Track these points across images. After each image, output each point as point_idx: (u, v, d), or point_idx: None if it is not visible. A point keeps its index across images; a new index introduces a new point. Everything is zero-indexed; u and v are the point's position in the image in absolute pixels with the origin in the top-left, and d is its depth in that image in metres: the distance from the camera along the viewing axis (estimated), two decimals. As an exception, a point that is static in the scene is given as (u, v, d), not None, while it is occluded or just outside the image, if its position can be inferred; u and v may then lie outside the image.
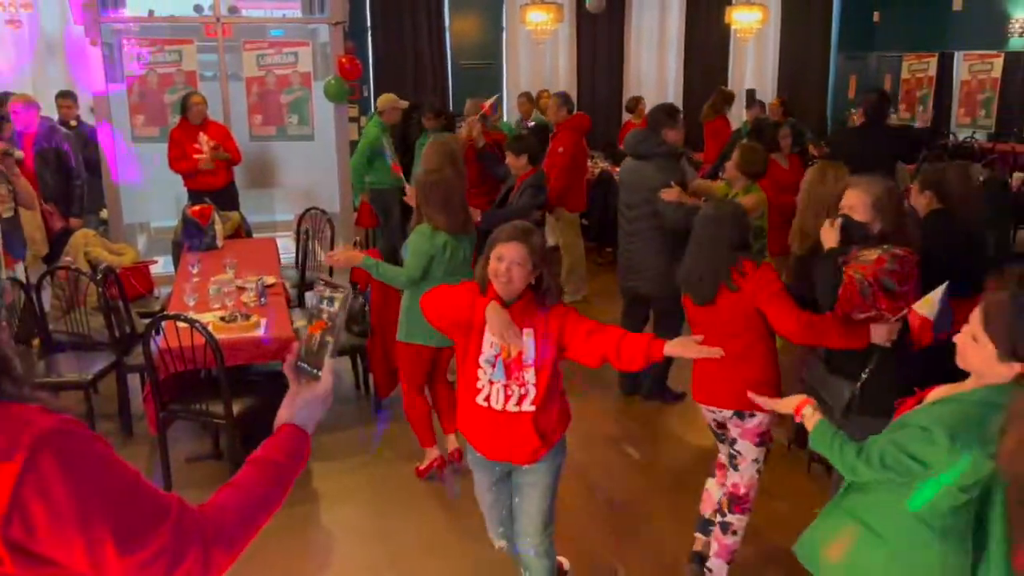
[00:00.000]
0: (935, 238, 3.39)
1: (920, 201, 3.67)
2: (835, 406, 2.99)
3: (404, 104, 7.26)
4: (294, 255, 6.22)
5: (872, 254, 2.88)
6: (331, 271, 5.69)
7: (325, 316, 1.55)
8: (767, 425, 3.11)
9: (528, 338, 2.61)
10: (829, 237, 2.98)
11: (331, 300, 1.55)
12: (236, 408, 3.82)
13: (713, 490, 3.37)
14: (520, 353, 2.61)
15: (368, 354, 4.84)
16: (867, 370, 2.92)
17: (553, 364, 2.65)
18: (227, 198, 6.60)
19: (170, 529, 1.17)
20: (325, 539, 3.73)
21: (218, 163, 6.59)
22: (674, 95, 11.52)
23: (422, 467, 4.15)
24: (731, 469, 3.18)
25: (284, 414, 1.48)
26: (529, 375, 2.63)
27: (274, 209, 8.45)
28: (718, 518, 3.22)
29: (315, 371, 1.53)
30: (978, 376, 1.94)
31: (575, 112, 7.11)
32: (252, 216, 7.06)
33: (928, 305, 2.58)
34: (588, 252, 7.38)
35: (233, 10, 8.55)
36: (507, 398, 2.65)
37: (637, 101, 9.68)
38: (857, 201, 2.99)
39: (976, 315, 1.91)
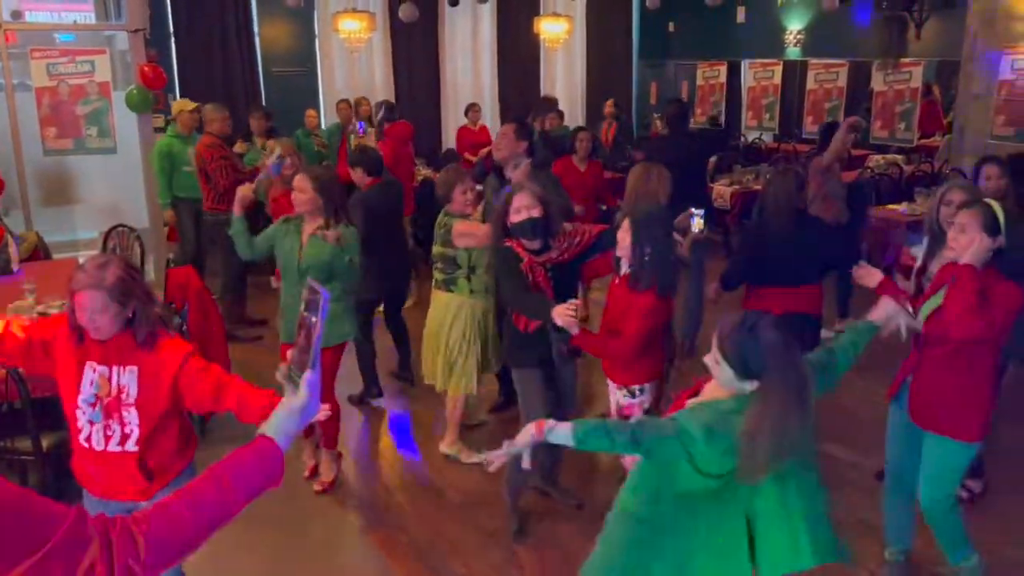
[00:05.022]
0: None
1: None
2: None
3: (192, 105, 7.03)
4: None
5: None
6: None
7: (307, 324, 1.51)
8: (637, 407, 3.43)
9: (131, 376, 2.47)
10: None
11: (313, 305, 1.50)
12: (45, 443, 3.59)
13: None
14: (120, 394, 2.47)
15: (190, 375, 4.66)
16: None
17: (165, 405, 2.51)
18: None
19: (61, 537, 1.18)
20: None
21: None
22: (490, 102, 11.83)
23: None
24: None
25: (265, 424, 1.50)
26: (130, 415, 2.49)
27: (75, 227, 7.89)
28: None
29: (298, 381, 1.53)
30: (729, 389, 2.19)
31: (397, 120, 7.17)
32: (50, 235, 6.58)
33: None
34: (416, 257, 7.45)
35: (16, 15, 7.90)
36: (107, 439, 2.51)
37: (470, 107, 9.91)
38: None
39: (714, 342, 2.16)
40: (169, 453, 2.62)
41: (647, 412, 3.44)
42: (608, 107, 10.44)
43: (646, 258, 3.13)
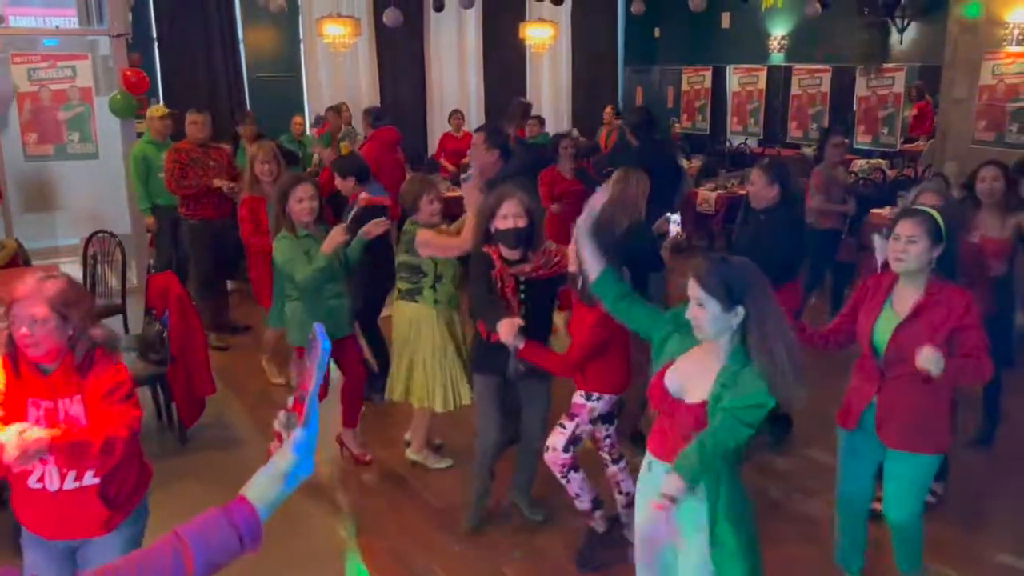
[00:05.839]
0: (784, 227, 3.99)
1: (769, 193, 4.09)
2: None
3: (162, 111, 6.92)
4: (81, 282, 5.82)
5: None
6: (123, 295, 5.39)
7: (304, 373, 1.39)
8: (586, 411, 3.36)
9: (79, 406, 2.31)
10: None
11: (312, 356, 1.36)
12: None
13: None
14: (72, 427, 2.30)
15: (169, 383, 4.63)
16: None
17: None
18: None
19: None
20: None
21: None
22: (476, 107, 11.83)
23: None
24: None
25: (247, 484, 1.36)
26: None
27: (56, 233, 7.85)
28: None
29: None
30: (716, 337, 2.25)
31: (383, 125, 7.12)
32: (31, 242, 6.54)
33: None
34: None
35: (-2, 20, 7.87)
36: (63, 476, 2.34)
37: (452, 114, 9.90)
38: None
39: (692, 285, 2.23)
40: (129, 483, 2.49)
41: (594, 421, 3.38)
42: (607, 113, 10.43)
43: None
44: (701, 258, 2.26)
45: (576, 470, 3.39)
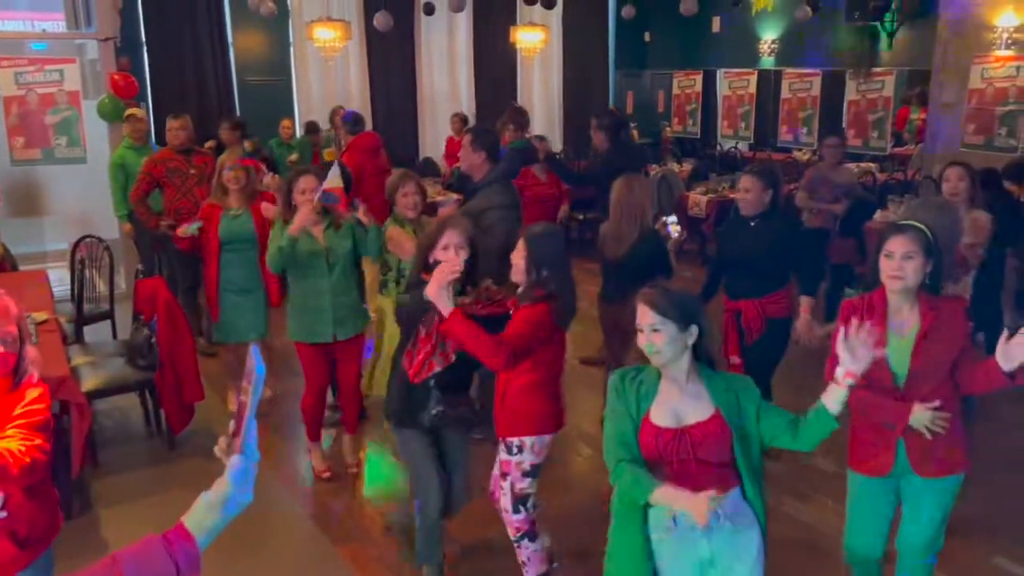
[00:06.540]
0: (782, 235, 4.03)
1: (764, 199, 4.07)
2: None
3: (137, 112, 6.82)
4: (69, 287, 5.78)
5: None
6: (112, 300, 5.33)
7: (240, 400, 1.37)
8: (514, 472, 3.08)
9: None
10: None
11: (247, 379, 1.33)
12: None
13: None
14: None
15: (158, 388, 4.58)
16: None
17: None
18: None
19: None
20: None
21: None
22: (467, 111, 11.80)
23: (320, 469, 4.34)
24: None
25: (187, 512, 1.34)
26: None
27: (44, 238, 7.79)
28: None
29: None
30: (675, 359, 2.25)
31: (362, 131, 7.06)
32: (18, 247, 6.48)
33: None
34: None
35: (-16, 23, 7.82)
36: None
37: (454, 116, 9.89)
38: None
39: (645, 312, 2.23)
40: (39, 526, 2.28)
41: (530, 474, 3.05)
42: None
43: (542, 279, 2.89)
44: (647, 293, 2.27)
45: (532, 539, 3.13)
